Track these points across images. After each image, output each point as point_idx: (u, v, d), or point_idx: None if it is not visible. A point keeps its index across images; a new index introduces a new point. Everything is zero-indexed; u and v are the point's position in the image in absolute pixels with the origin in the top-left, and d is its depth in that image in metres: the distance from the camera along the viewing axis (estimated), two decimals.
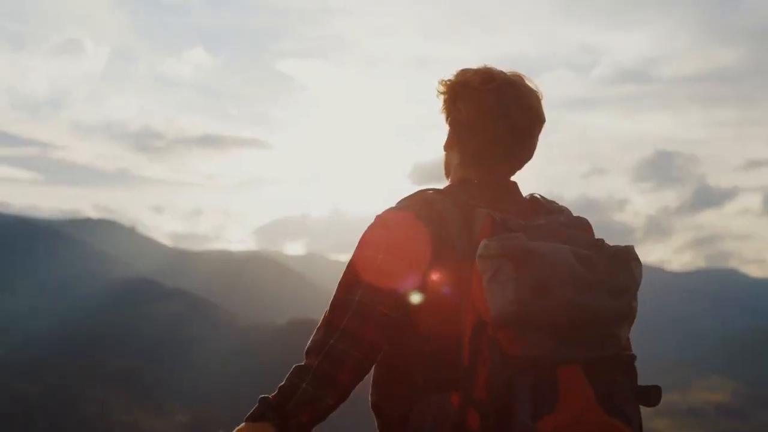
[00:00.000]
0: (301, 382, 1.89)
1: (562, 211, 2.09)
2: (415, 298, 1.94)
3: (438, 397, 1.88)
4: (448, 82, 2.14)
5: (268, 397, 1.92)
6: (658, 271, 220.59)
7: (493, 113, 2.06)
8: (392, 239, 1.96)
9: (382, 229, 1.98)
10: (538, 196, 2.13)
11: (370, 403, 2.07)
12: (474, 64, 2.15)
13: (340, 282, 1.97)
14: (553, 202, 2.13)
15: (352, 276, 1.96)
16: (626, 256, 1.87)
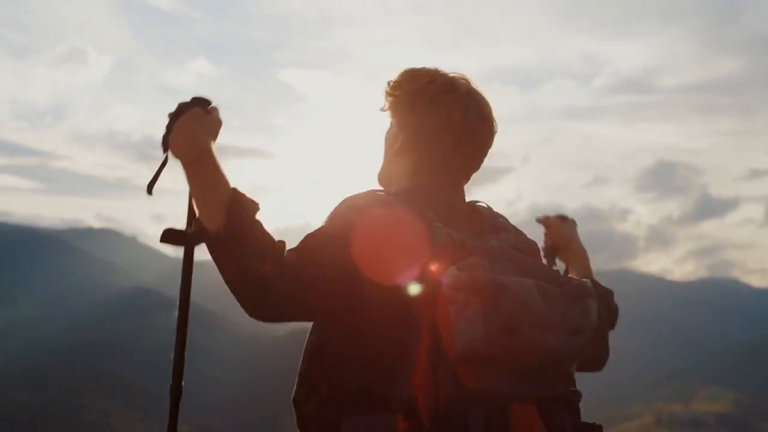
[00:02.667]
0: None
1: (507, 228, 2.09)
2: (372, 290, 1.87)
3: (381, 417, 1.83)
4: (401, 86, 2.10)
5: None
6: (660, 281, 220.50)
7: (458, 124, 2.05)
8: (379, 225, 1.90)
9: (372, 213, 1.92)
10: (483, 205, 2.12)
11: (291, 397, 1.99)
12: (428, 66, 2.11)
13: (315, 236, 1.91)
14: (497, 215, 2.13)
15: (326, 238, 1.90)
16: (582, 293, 1.84)
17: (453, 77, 2.09)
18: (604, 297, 2.43)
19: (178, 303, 2.20)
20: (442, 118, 2.05)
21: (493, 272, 1.78)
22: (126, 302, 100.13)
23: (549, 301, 1.76)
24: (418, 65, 2.12)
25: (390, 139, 2.14)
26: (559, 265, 2.72)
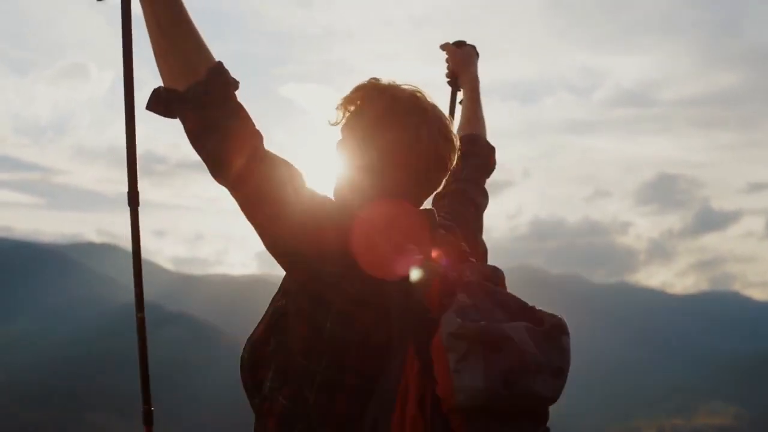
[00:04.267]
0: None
1: (465, 252, 2.06)
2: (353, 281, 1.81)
3: None
4: (364, 102, 2.05)
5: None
6: (661, 295, 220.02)
7: (425, 145, 2.02)
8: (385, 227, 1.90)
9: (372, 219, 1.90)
10: (434, 216, 2.08)
11: (264, 392, 1.96)
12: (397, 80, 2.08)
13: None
14: (448, 228, 2.11)
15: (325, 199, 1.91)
16: (560, 332, 1.80)
17: (415, 94, 2.05)
18: (485, 152, 2.62)
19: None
20: (411, 138, 2.00)
21: (499, 325, 1.72)
22: (127, 317, 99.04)
23: (538, 345, 1.72)
24: (377, 77, 2.08)
25: (352, 156, 2.06)
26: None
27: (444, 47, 2.92)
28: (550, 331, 1.77)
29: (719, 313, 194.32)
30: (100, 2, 1.96)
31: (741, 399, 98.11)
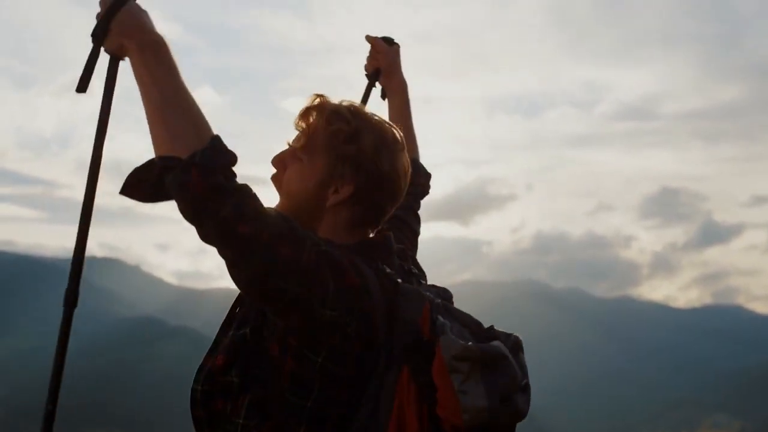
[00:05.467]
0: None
1: (417, 275, 2.05)
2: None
3: None
4: (355, 132, 1.93)
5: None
6: (664, 309, 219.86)
7: (406, 176, 1.99)
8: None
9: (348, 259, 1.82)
10: (393, 241, 2.03)
11: (231, 428, 1.83)
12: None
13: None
14: (400, 251, 2.08)
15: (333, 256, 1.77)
16: (520, 347, 1.84)
17: (393, 131, 2.00)
18: (423, 181, 2.59)
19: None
20: (396, 171, 1.96)
21: (497, 346, 1.77)
22: (129, 331, 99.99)
23: (517, 363, 1.80)
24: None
25: (320, 183, 1.93)
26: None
27: (370, 40, 2.74)
28: (515, 348, 1.81)
29: (723, 327, 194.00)
30: (80, 93, 1.92)
31: (745, 413, 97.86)
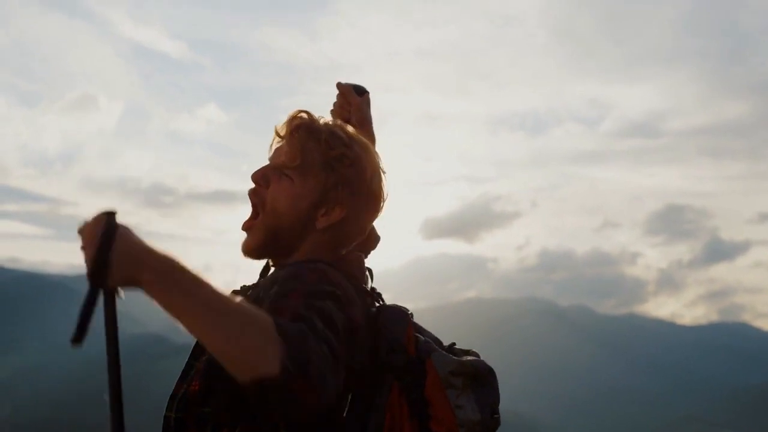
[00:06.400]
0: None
1: (378, 293, 2.02)
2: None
3: None
4: (358, 156, 1.94)
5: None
6: (671, 326, 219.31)
7: (386, 198, 2.01)
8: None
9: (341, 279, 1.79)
10: (360, 255, 2.03)
11: None
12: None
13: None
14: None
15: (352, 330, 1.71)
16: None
17: (375, 154, 2.03)
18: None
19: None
20: (383, 194, 2.00)
21: (482, 361, 1.86)
22: (136, 348, 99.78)
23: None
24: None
25: (312, 204, 1.91)
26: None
27: (341, 88, 2.45)
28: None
29: (729, 345, 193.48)
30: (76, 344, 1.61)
31: (750, 429, 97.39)
